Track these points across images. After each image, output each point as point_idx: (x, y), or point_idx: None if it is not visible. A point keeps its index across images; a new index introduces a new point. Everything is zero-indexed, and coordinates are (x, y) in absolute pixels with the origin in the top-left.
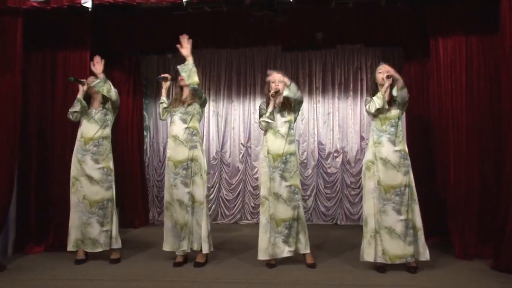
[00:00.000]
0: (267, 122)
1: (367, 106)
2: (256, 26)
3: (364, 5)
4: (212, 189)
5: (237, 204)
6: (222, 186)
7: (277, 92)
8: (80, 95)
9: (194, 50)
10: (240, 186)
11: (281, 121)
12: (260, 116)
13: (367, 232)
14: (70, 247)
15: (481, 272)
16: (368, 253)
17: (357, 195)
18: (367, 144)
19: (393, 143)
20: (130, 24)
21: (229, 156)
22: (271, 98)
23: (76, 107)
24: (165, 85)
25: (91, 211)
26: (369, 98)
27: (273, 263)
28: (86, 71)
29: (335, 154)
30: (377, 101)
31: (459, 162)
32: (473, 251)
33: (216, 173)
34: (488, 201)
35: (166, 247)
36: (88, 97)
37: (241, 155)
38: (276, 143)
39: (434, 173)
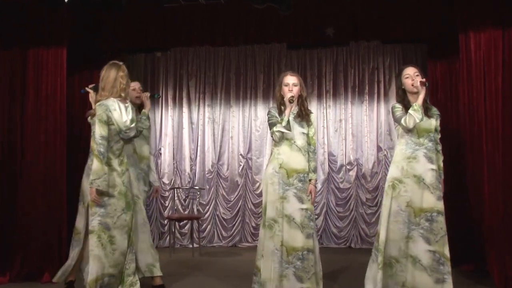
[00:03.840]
0: (282, 133)
1: (402, 120)
2: (258, 21)
3: None
4: (208, 207)
5: (236, 224)
6: (218, 203)
7: (293, 98)
8: (147, 110)
9: (188, 48)
10: (240, 203)
11: (297, 131)
12: (271, 124)
13: (382, 261)
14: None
15: None
16: (383, 284)
17: (374, 214)
18: (385, 155)
19: (430, 159)
20: (115, 18)
21: (227, 169)
22: (288, 104)
23: (146, 123)
24: (92, 98)
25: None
26: (398, 106)
27: None
28: (63, 70)
29: (348, 167)
30: (416, 115)
31: (494, 176)
32: None
33: (212, 189)
34: None
35: None
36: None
37: (240, 168)
38: (291, 157)
39: (465, 190)
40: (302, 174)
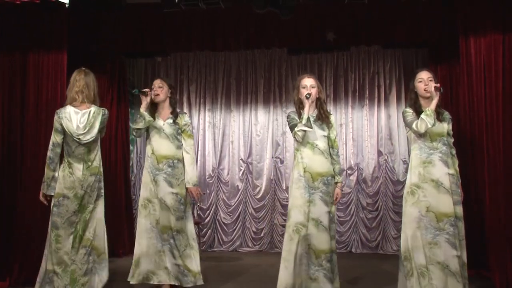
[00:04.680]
0: (304, 131)
1: (414, 125)
2: (259, 26)
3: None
4: (208, 212)
5: (237, 229)
6: (219, 208)
7: (311, 94)
8: (143, 109)
9: (188, 52)
10: (240, 208)
11: (319, 134)
12: (292, 126)
13: (413, 269)
14: (136, 280)
15: None
16: None
17: (374, 219)
18: (385, 160)
19: (446, 163)
20: (114, 22)
21: (228, 174)
22: (305, 101)
23: (140, 123)
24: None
25: (163, 238)
26: (409, 111)
27: None
28: (64, 75)
29: (348, 172)
30: (428, 120)
31: (495, 180)
32: None
33: (213, 193)
34: None
35: None
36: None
37: (241, 173)
38: (315, 160)
39: (467, 193)
40: (326, 177)
